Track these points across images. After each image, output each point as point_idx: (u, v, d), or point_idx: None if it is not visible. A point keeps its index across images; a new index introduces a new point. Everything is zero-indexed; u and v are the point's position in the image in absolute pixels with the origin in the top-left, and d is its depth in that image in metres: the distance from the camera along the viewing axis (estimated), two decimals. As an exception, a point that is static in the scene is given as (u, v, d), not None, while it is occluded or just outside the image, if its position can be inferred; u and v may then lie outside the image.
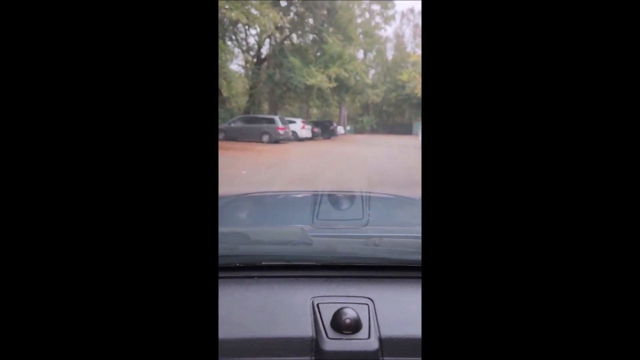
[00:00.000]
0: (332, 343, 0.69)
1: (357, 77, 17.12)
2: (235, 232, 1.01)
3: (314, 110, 24.09)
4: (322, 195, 1.19)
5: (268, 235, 1.05)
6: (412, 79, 26.07)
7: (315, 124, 17.13)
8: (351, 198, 1.20)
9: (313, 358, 0.69)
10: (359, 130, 25.89)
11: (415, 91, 28.86)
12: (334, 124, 18.24)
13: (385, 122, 30.30)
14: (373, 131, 27.62)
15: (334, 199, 1.19)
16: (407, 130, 28.45)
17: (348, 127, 25.19)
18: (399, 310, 0.75)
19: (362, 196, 1.24)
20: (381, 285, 0.82)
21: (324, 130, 16.87)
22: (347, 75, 15.64)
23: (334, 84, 15.12)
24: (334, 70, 15.08)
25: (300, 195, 1.59)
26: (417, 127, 29.42)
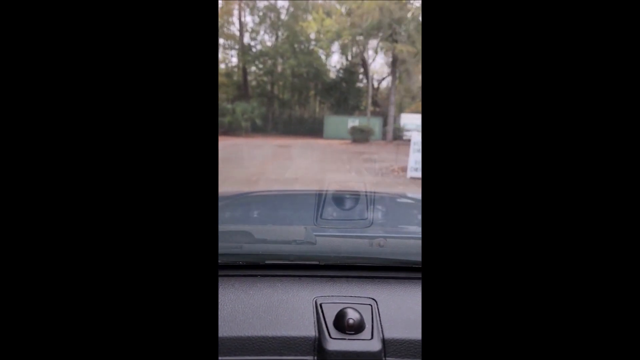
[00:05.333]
0: (335, 343, 0.75)
1: None
2: (239, 230, 1.13)
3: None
4: (326, 194, 1.25)
5: (272, 234, 1.17)
6: (325, 35, 12.05)
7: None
8: (356, 198, 1.27)
9: (315, 358, 0.75)
10: (227, 130, 10.85)
11: (326, 67, 15.92)
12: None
13: (277, 115, 15.91)
14: (257, 131, 17.59)
15: (338, 199, 1.25)
16: (313, 130, 18.53)
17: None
18: (403, 311, 0.82)
19: (366, 196, 1.31)
20: (385, 286, 0.89)
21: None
22: None
23: None
24: None
25: (304, 195, 1.67)
26: (332, 124, 18.39)
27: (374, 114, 17.09)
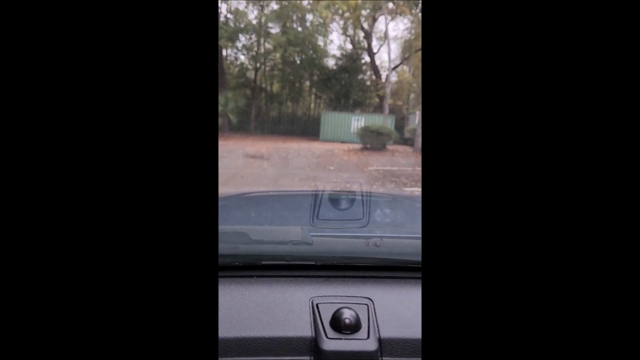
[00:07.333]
0: (332, 343, 0.80)
1: None
2: (235, 231, 1.20)
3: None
4: (322, 195, 1.33)
5: (268, 234, 1.25)
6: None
7: None
8: (352, 198, 1.35)
9: (312, 358, 0.81)
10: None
11: (323, 53, 12.46)
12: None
13: (261, 113, 12.08)
14: (235, 130, 14.87)
15: (334, 199, 1.31)
16: (307, 130, 15.48)
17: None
18: (399, 310, 0.89)
19: (362, 196, 1.39)
20: (381, 286, 0.95)
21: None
22: None
23: None
24: None
25: (300, 195, 1.77)
26: (331, 123, 14.75)
27: (379, 109, 13.82)
